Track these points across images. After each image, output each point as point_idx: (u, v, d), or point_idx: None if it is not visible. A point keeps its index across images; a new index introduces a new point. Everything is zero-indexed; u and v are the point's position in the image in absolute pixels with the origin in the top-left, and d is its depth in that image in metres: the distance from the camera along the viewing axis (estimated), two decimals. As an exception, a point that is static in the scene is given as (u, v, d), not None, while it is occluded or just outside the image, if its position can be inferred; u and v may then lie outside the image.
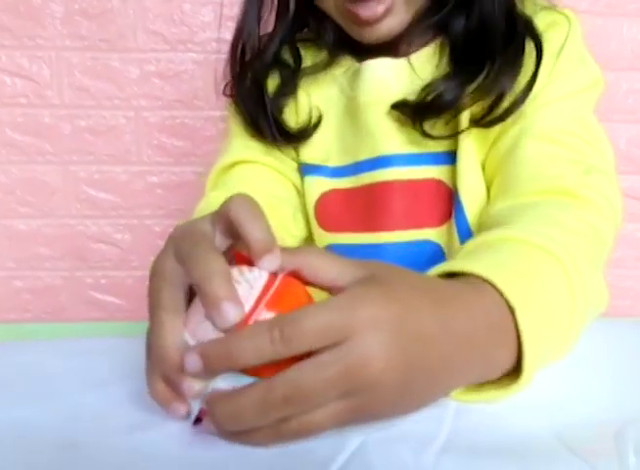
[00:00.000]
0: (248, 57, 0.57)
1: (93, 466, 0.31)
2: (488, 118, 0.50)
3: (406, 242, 0.57)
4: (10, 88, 1.12)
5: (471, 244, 0.40)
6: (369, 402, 0.29)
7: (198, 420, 0.32)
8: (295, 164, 0.61)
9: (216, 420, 0.29)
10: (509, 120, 0.50)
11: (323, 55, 0.59)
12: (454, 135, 0.53)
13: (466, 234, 0.54)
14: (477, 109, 0.51)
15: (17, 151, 1.14)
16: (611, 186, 0.48)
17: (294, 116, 0.59)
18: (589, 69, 0.53)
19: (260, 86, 0.57)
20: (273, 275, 0.31)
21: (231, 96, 0.60)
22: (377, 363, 0.27)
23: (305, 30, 0.61)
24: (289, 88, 0.58)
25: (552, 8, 0.53)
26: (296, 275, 0.31)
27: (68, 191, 1.16)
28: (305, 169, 0.60)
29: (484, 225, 0.49)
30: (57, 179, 1.16)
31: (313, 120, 0.58)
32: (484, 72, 0.49)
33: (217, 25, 1.12)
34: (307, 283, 0.32)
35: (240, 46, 0.57)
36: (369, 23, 0.50)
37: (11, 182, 1.15)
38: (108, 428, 0.34)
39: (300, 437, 0.29)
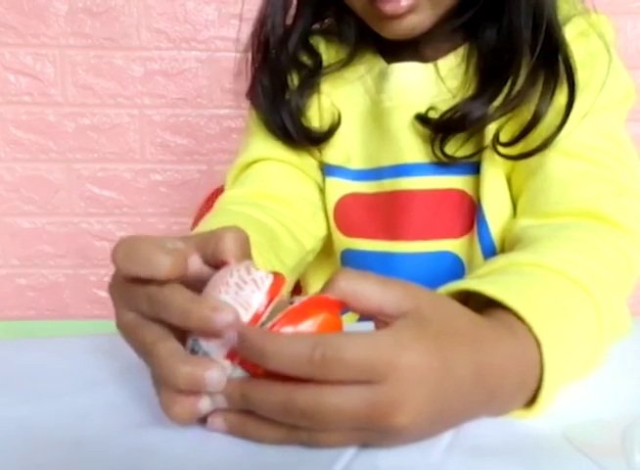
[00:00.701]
0: (271, 48, 0.55)
1: (99, 464, 0.31)
2: (518, 151, 0.49)
3: (425, 252, 0.56)
4: (14, 86, 1.12)
5: (499, 261, 0.39)
6: (383, 440, 0.29)
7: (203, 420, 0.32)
8: (315, 162, 0.60)
9: (235, 398, 0.29)
10: (536, 134, 0.49)
11: (345, 52, 0.57)
12: (476, 154, 0.52)
13: (489, 247, 0.53)
14: (506, 135, 0.50)
15: (21, 149, 1.14)
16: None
17: (317, 116, 0.58)
18: (621, 79, 0.51)
19: (282, 81, 0.56)
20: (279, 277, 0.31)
21: (249, 95, 0.59)
22: (405, 415, 0.27)
23: (327, 21, 0.59)
24: (309, 88, 0.57)
25: (587, 13, 0.51)
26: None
27: (72, 189, 1.17)
28: (327, 170, 0.59)
29: (510, 240, 0.47)
30: (60, 177, 1.16)
31: (334, 121, 0.57)
32: (509, 86, 0.48)
33: (220, 23, 1.12)
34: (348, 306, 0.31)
35: (262, 38, 0.56)
36: (392, 17, 0.49)
37: (15, 180, 1.16)
38: (114, 425, 0.34)
39: (307, 445, 0.29)
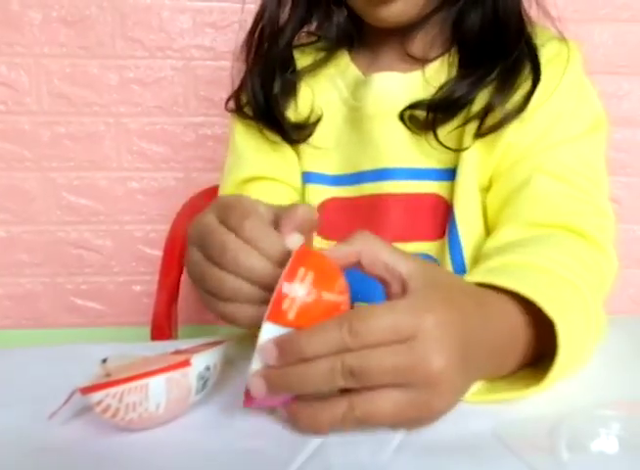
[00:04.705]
0: (264, 42, 0.59)
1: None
2: (485, 127, 0.52)
3: None
4: (-12, 95, 1.12)
5: (491, 263, 0.43)
6: (428, 399, 0.31)
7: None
8: (299, 175, 0.62)
9: (286, 379, 0.31)
10: (520, 154, 0.52)
11: (322, 53, 0.60)
12: (458, 150, 0.54)
13: (457, 250, 0.55)
14: (474, 124, 0.52)
15: (-4, 158, 1.14)
16: (613, 232, 0.51)
17: (294, 112, 0.60)
18: (591, 107, 0.55)
19: (272, 78, 0.59)
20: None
21: (235, 104, 0.61)
22: (438, 363, 0.30)
23: (303, 34, 0.62)
24: (288, 90, 0.60)
25: (560, 39, 0.55)
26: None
27: (48, 197, 1.16)
28: (306, 178, 0.61)
29: (495, 248, 0.49)
30: (36, 186, 1.16)
31: (312, 119, 0.59)
32: (495, 73, 0.52)
33: (195, 32, 1.13)
34: (362, 267, 0.35)
35: (259, 29, 0.59)
36: (380, 2, 0.51)
37: (-10, 189, 1.15)
38: (78, 433, 0.35)
39: (362, 424, 0.31)
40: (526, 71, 0.51)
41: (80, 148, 1.15)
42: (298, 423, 0.32)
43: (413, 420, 0.32)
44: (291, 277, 0.31)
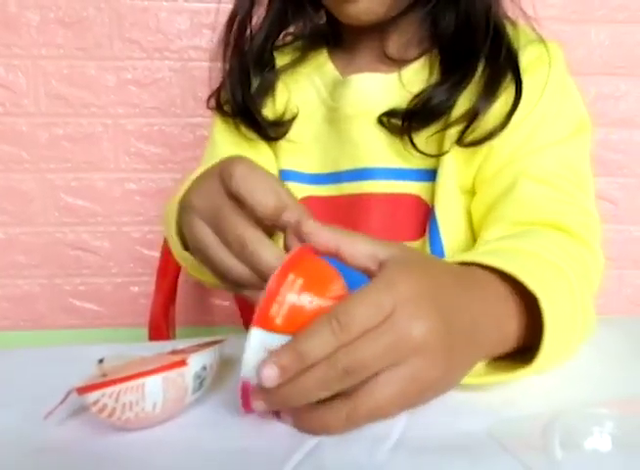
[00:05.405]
0: (240, 39, 0.58)
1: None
2: (468, 139, 0.51)
3: None
4: (-14, 97, 1.12)
5: (480, 250, 0.43)
6: (421, 368, 0.31)
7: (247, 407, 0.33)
8: (276, 172, 0.62)
9: (284, 397, 0.30)
10: (504, 160, 0.52)
11: (298, 53, 0.60)
12: (437, 156, 0.53)
13: (439, 250, 0.55)
14: (454, 130, 0.52)
15: (-7, 159, 1.14)
16: (599, 231, 0.51)
17: (271, 110, 0.60)
18: (575, 109, 0.54)
19: (248, 78, 0.59)
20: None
21: (216, 102, 0.62)
22: (418, 330, 0.30)
23: (281, 37, 0.62)
24: (266, 88, 0.60)
25: (540, 41, 0.54)
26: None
27: (46, 199, 1.16)
28: (283, 176, 0.61)
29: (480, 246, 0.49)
30: (34, 187, 1.16)
31: (287, 116, 0.59)
32: (470, 77, 0.51)
33: (193, 33, 1.14)
34: (342, 259, 0.35)
35: (233, 30, 0.59)
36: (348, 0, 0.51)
37: (-12, 190, 1.15)
38: (75, 433, 0.35)
39: (372, 418, 0.31)
40: (508, 77, 0.51)
41: (78, 149, 1.15)
42: (306, 429, 0.32)
43: (418, 397, 0.32)
44: (279, 283, 0.31)
